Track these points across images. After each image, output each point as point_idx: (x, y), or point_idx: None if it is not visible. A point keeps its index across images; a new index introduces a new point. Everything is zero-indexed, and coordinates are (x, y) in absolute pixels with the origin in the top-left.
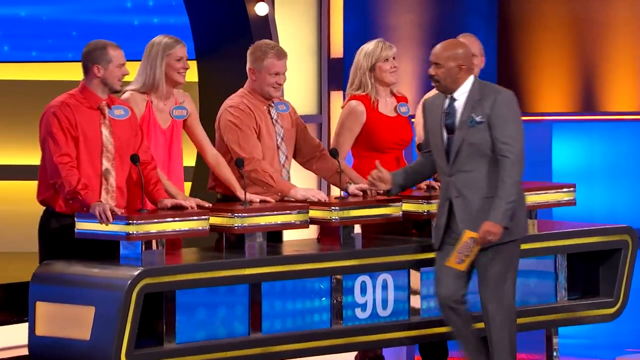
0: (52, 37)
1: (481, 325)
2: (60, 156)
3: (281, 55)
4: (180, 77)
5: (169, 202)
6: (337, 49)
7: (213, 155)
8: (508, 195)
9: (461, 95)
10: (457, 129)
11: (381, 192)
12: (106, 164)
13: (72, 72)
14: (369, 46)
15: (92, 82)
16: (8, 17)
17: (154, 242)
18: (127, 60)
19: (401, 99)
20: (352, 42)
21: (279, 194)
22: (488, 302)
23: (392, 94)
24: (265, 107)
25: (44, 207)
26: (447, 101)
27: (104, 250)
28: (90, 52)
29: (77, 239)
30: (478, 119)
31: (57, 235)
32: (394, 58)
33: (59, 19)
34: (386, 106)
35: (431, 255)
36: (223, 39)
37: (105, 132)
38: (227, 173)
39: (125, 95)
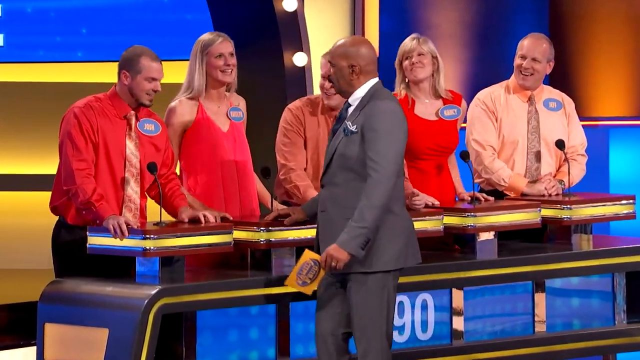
0: (60, 34)
1: None
2: (78, 161)
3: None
4: (225, 76)
5: (187, 213)
6: None
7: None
8: (362, 218)
9: (355, 100)
10: (335, 137)
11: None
12: (128, 177)
13: (81, 73)
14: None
15: (122, 89)
16: (12, 11)
17: (173, 258)
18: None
19: (448, 101)
20: (389, 42)
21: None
22: (356, 341)
23: (439, 95)
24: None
25: (57, 218)
26: (344, 106)
27: (119, 266)
28: (124, 56)
29: (90, 254)
30: (353, 128)
31: (68, 249)
32: (419, 54)
33: (68, 14)
34: (426, 108)
35: (477, 272)
36: (247, 37)
37: (130, 144)
38: (258, 188)
39: (172, 104)
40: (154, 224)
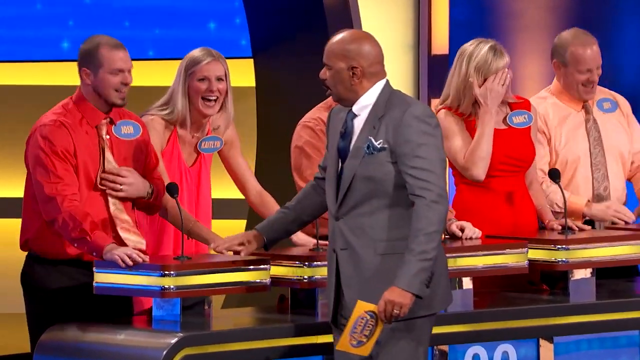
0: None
1: None
2: (60, 187)
3: None
4: (206, 107)
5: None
6: (440, 43)
7: (257, 192)
8: (422, 250)
9: (362, 109)
10: (350, 157)
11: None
12: (113, 200)
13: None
14: (474, 51)
15: (87, 91)
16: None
17: (197, 299)
18: (169, 58)
19: (516, 106)
20: (461, 34)
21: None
22: None
23: (505, 100)
24: None
25: (26, 253)
26: (345, 117)
27: (114, 307)
28: (81, 50)
29: (76, 294)
30: (378, 144)
31: (50, 290)
32: (507, 68)
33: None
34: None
35: (571, 318)
36: (287, 30)
37: (109, 156)
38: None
39: (145, 119)
40: (174, 258)
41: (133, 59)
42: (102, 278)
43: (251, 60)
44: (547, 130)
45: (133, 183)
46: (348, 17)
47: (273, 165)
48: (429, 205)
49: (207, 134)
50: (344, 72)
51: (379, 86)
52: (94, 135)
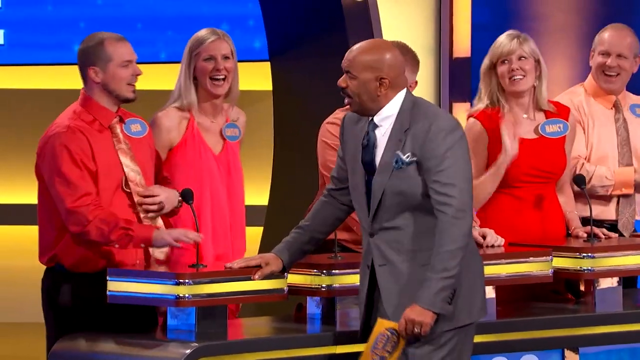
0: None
1: None
2: (80, 199)
3: None
4: (215, 86)
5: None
6: (462, 46)
7: None
8: (443, 267)
9: (384, 120)
10: (378, 172)
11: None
12: (137, 199)
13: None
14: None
15: (94, 91)
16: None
17: (212, 308)
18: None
19: (552, 115)
20: (483, 37)
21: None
22: None
23: (540, 108)
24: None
25: (47, 268)
26: (365, 127)
27: (139, 318)
28: (84, 50)
29: (105, 308)
30: (406, 158)
31: (79, 305)
32: (520, 58)
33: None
34: (522, 124)
35: (597, 329)
36: (305, 32)
37: (124, 159)
38: None
39: (159, 113)
40: (189, 266)
41: (145, 62)
42: (116, 287)
43: (265, 63)
44: (582, 120)
45: (167, 197)
46: (367, 19)
47: (291, 168)
48: (451, 221)
49: (226, 122)
50: (371, 82)
51: (400, 96)
52: (109, 136)
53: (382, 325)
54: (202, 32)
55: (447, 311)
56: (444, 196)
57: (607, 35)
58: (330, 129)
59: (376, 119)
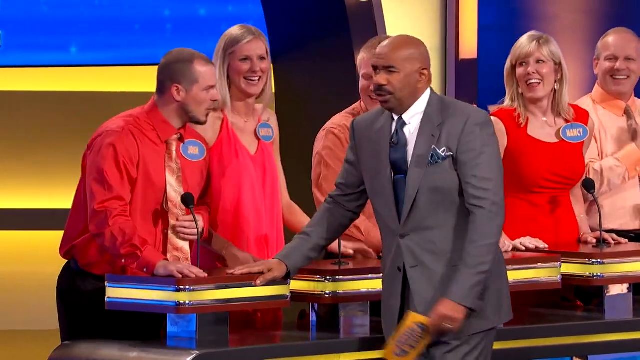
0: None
1: None
2: (109, 201)
3: None
4: (250, 86)
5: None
6: (468, 47)
7: (286, 200)
8: (479, 262)
9: (413, 117)
10: (412, 168)
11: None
12: (171, 221)
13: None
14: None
15: (168, 107)
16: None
17: (213, 315)
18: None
19: (572, 120)
20: (490, 38)
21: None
22: None
23: (560, 112)
24: None
25: (65, 264)
26: (388, 127)
27: (146, 322)
28: (170, 64)
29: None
30: (442, 152)
31: (88, 304)
32: (538, 61)
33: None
34: (542, 127)
35: (606, 336)
36: (309, 32)
37: (170, 178)
38: (304, 222)
39: None
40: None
41: (143, 64)
42: (115, 293)
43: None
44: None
45: (204, 227)
46: (372, 20)
47: (294, 172)
48: (488, 215)
49: (259, 122)
50: (414, 75)
51: (427, 92)
52: (162, 150)
53: (412, 320)
54: (237, 30)
55: (479, 307)
56: (481, 190)
57: (611, 40)
58: (329, 140)
59: (405, 116)
